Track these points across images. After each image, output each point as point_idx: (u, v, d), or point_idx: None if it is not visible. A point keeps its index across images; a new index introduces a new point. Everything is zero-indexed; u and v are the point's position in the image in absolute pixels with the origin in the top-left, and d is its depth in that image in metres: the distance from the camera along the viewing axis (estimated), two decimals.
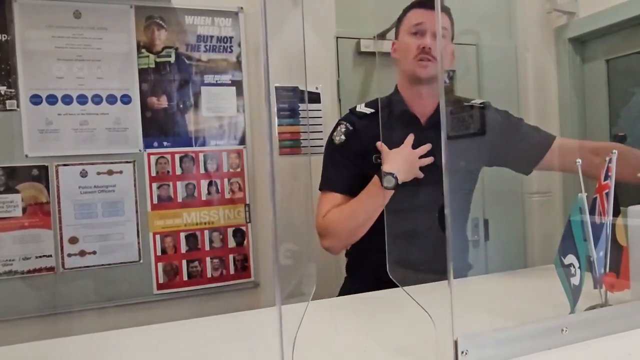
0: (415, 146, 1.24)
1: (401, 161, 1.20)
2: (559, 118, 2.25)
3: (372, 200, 1.22)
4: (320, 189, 1.34)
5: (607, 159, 0.90)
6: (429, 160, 1.22)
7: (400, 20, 1.34)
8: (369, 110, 1.34)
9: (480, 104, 1.41)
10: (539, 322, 0.78)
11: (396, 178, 1.17)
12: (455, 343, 0.71)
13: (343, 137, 1.31)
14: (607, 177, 0.90)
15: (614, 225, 0.91)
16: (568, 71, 2.19)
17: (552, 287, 0.95)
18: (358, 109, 1.37)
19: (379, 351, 0.83)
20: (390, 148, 1.23)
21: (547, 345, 0.77)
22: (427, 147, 1.23)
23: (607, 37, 2.06)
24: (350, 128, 1.32)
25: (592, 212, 0.90)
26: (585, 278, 0.87)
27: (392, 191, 1.18)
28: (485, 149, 1.37)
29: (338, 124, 1.35)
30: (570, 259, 0.88)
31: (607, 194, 0.90)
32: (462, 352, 0.71)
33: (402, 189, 1.20)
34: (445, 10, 1.31)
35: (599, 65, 2.13)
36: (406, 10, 1.32)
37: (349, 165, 1.31)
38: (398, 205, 1.19)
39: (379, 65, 2.09)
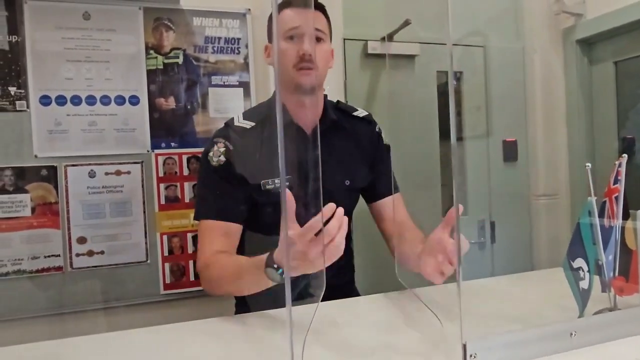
0: (302, 156, 1.06)
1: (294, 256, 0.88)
2: (567, 120, 2.24)
3: (257, 281, 0.95)
4: (197, 218, 1.17)
5: (617, 162, 0.90)
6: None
7: (271, 21, 1.20)
8: (248, 124, 1.18)
9: (364, 116, 1.34)
10: (548, 326, 0.78)
11: (282, 274, 0.89)
12: (464, 346, 0.71)
13: (222, 157, 1.13)
14: (616, 180, 0.90)
15: (623, 229, 0.90)
16: (576, 73, 2.19)
17: (559, 291, 0.95)
18: (236, 122, 1.20)
19: (387, 353, 0.83)
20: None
21: (556, 349, 0.77)
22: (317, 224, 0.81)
23: (616, 39, 2.05)
24: (230, 147, 1.14)
25: (601, 215, 0.90)
26: (594, 282, 0.87)
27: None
28: (360, 165, 1.30)
29: (214, 142, 1.16)
30: (579, 262, 0.88)
31: (616, 197, 0.90)
32: (471, 356, 0.71)
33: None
34: (320, 7, 1.19)
35: (607, 67, 2.12)
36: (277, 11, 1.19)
37: (231, 190, 1.14)
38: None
39: (389, 67, 2.09)
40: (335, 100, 1.35)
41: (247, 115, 1.22)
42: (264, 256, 0.91)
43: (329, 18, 1.20)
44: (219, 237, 1.14)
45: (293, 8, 1.14)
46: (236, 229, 1.16)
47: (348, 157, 1.26)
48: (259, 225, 1.19)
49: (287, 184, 1.11)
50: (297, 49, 1.12)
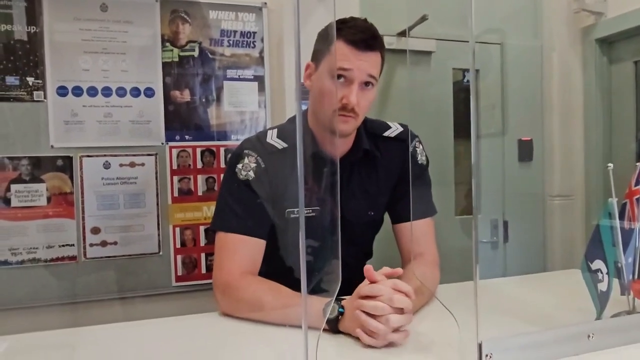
0: (328, 184, 1.03)
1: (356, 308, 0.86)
2: (584, 120, 2.21)
3: (295, 312, 0.90)
4: (216, 228, 1.09)
5: (639, 164, 0.88)
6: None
7: (324, 42, 1.07)
8: (280, 145, 1.10)
9: (396, 136, 1.20)
10: (565, 328, 0.77)
11: (341, 313, 0.88)
12: (480, 346, 0.70)
13: (252, 173, 1.07)
14: (638, 182, 0.89)
15: None
16: (594, 72, 2.15)
17: (575, 292, 0.94)
18: (269, 139, 1.12)
19: (402, 351, 0.82)
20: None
21: (574, 351, 0.76)
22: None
23: (636, 38, 2.01)
24: (262, 165, 1.08)
25: (621, 217, 0.88)
26: (613, 284, 0.86)
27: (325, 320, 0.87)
28: (385, 195, 1.21)
29: (245, 154, 1.09)
30: (597, 264, 0.86)
31: (637, 199, 0.88)
32: (487, 356, 0.70)
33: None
34: (381, 48, 1.07)
35: (627, 66, 2.08)
36: (333, 36, 1.04)
37: (257, 206, 1.08)
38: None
39: (410, 64, 2.07)
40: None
41: (281, 134, 1.13)
42: (312, 299, 0.89)
43: (384, 58, 1.09)
44: (243, 254, 1.05)
45: (353, 47, 1.01)
46: (260, 245, 1.08)
47: (375, 187, 1.18)
48: (270, 251, 1.11)
49: (313, 213, 1.10)
50: (343, 95, 1.02)
